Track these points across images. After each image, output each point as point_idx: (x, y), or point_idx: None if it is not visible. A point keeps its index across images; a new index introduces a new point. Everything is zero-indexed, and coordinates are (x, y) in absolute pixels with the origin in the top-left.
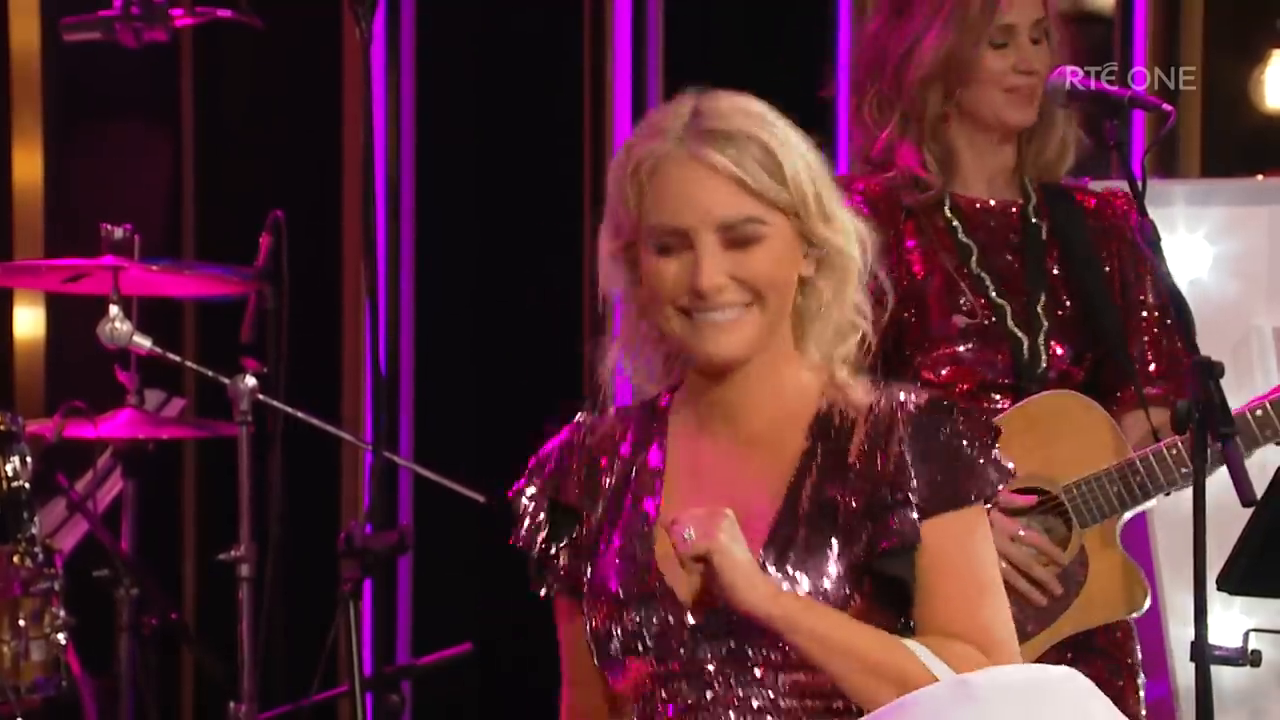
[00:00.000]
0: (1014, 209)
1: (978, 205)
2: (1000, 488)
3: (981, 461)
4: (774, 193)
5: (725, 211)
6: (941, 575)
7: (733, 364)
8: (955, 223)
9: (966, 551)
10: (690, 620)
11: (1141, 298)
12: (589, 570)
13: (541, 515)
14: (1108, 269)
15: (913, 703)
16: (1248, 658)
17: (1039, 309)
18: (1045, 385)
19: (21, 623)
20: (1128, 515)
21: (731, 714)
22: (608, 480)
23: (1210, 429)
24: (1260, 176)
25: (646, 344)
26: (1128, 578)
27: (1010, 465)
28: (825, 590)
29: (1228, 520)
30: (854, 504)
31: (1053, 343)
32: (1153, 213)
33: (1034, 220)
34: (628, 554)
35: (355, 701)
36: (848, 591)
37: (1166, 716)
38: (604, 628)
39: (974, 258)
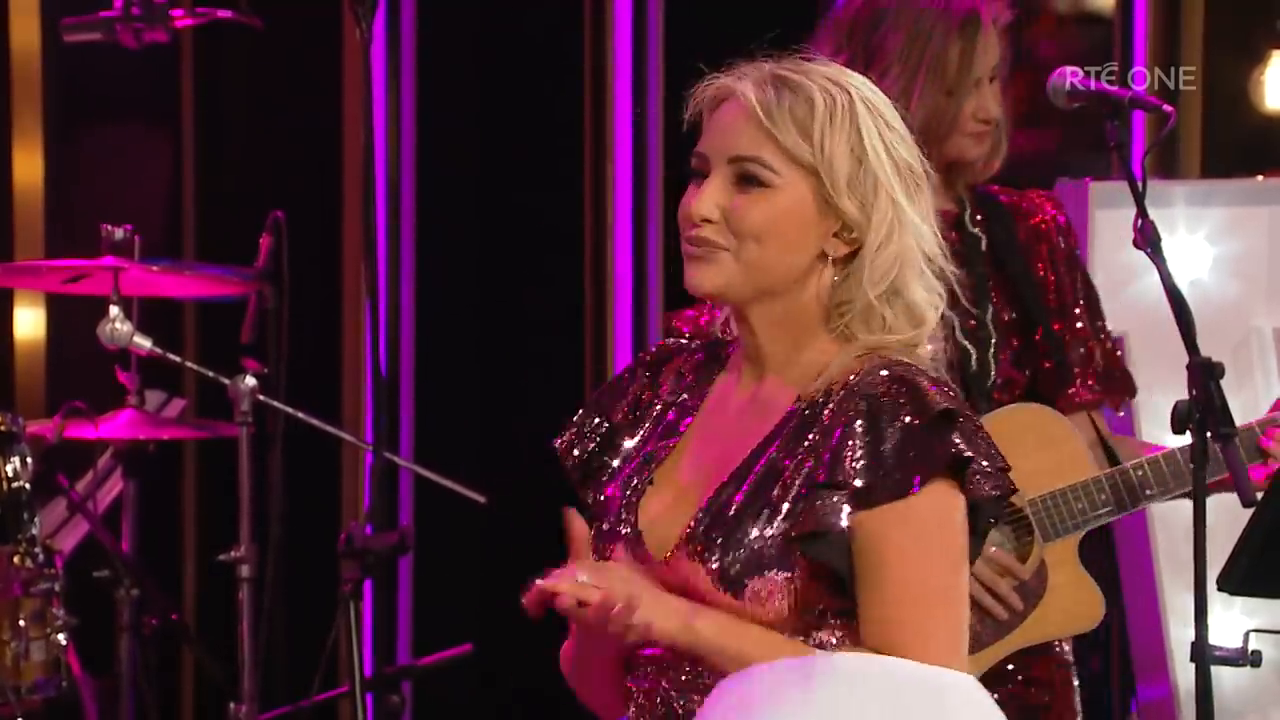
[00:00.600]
0: (950, 217)
1: None
2: (977, 483)
3: (936, 448)
4: (793, 144)
5: (739, 145)
6: (880, 581)
7: (715, 300)
8: None
9: (908, 553)
10: (646, 572)
11: (1074, 300)
12: (602, 494)
13: (589, 427)
14: (1040, 273)
15: (759, 675)
16: (1248, 658)
17: (988, 321)
18: (991, 397)
19: (22, 623)
20: (1088, 528)
21: (688, 665)
22: (656, 408)
23: (1210, 429)
24: (1260, 177)
25: None
26: (1085, 593)
27: (967, 451)
28: (745, 556)
29: (1228, 520)
30: (796, 480)
31: (1002, 355)
32: (1153, 214)
33: (971, 229)
34: (628, 487)
35: (356, 702)
36: (776, 557)
37: (1166, 717)
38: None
39: None
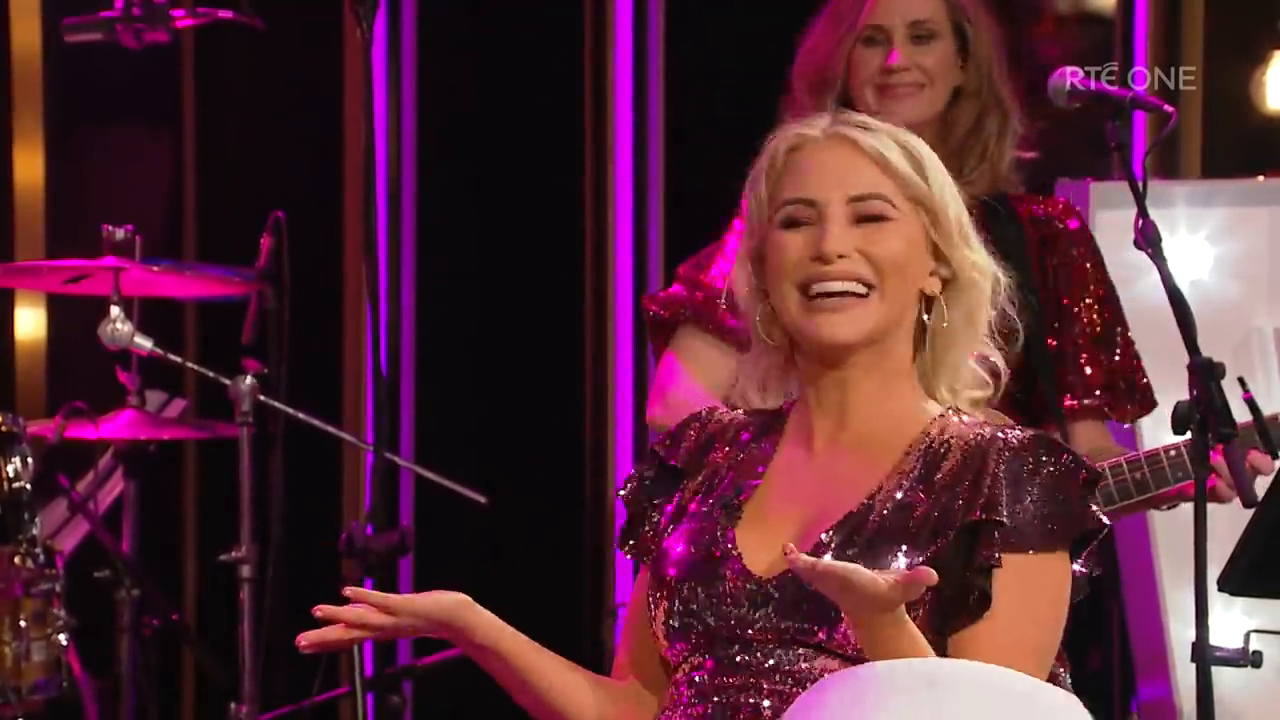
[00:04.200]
0: None
1: None
2: (1089, 544)
3: (1077, 511)
4: (913, 182)
5: (860, 184)
6: (997, 629)
7: (845, 351)
8: None
9: (1033, 608)
10: (750, 589)
11: (1080, 309)
12: (670, 530)
13: (650, 474)
14: (1044, 279)
15: (871, 674)
16: (1249, 659)
17: None
18: None
19: (23, 624)
20: None
21: (765, 686)
22: (717, 455)
23: (1211, 430)
24: (1261, 178)
25: (765, 353)
26: None
27: (1105, 520)
28: None
29: (1228, 521)
30: (933, 514)
31: None
32: (1153, 214)
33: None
34: (710, 518)
35: (356, 702)
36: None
37: (1166, 717)
38: (661, 587)
39: None
